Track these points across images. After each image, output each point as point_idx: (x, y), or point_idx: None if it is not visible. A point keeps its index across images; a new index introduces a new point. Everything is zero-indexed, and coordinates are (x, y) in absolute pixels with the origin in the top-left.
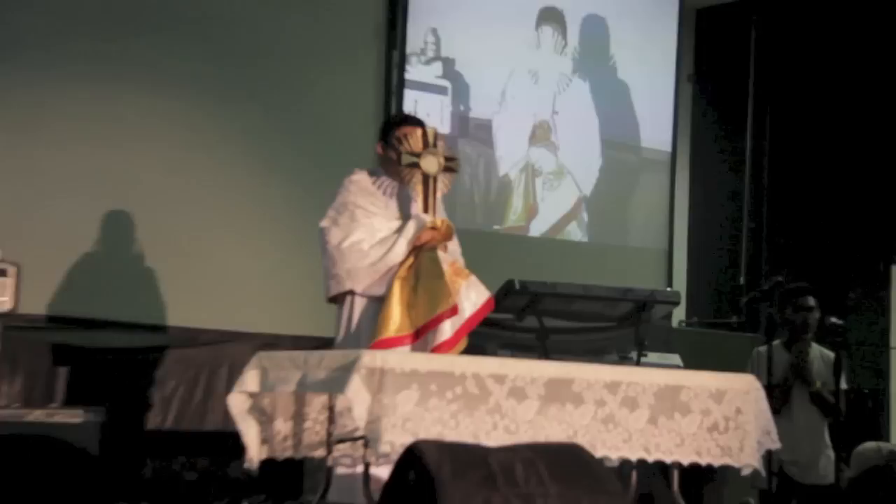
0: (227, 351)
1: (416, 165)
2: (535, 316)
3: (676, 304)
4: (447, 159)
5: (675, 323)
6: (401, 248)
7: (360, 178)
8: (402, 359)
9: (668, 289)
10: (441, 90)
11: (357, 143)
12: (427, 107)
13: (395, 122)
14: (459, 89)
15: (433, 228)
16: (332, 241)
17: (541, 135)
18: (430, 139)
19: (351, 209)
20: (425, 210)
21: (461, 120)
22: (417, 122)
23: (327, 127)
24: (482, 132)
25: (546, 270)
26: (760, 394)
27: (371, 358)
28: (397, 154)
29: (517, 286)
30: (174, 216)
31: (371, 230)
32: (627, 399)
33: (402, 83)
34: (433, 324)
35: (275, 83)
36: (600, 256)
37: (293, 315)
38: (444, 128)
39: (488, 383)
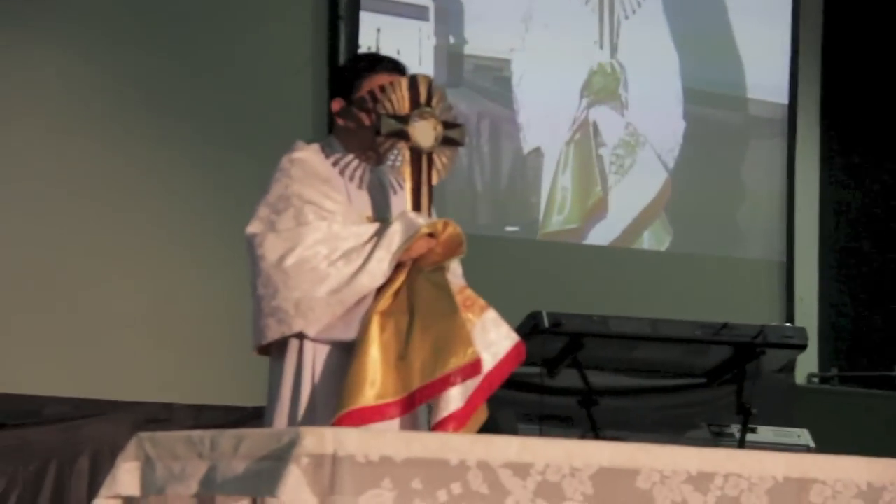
0: (89, 431)
1: (401, 135)
2: (575, 368)
3: (803, 348)
4: (448, 125)
5: (800, 378)
6: (380, 266)
7: (308, 157)
8: (366, 440)
9: (789, 325)
10: (418, 12)
11: (287, 100)
12: (396, 39)
13: (361, 67)
14: (448, 10)
15: (430, 235)
16: (269, 255)
17: (600, 84)
18: (423, 94)
19: (296, 205)
20: (416, 205)
21: (451, 59)
22: (396, 67)
23: (241, 79)
24: (488, 79)
25: (588, 296)
26: None
27: (317, 439)
28: (368, 116)
29: (546, 321)
30: (6, 226)
31: (331, 237)
32: (726, 501)
33: (355, 1)
34: (440, 387)
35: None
36: (678, 273)
37: (195, 374)
38: (425, 71)
39: (503, 477)
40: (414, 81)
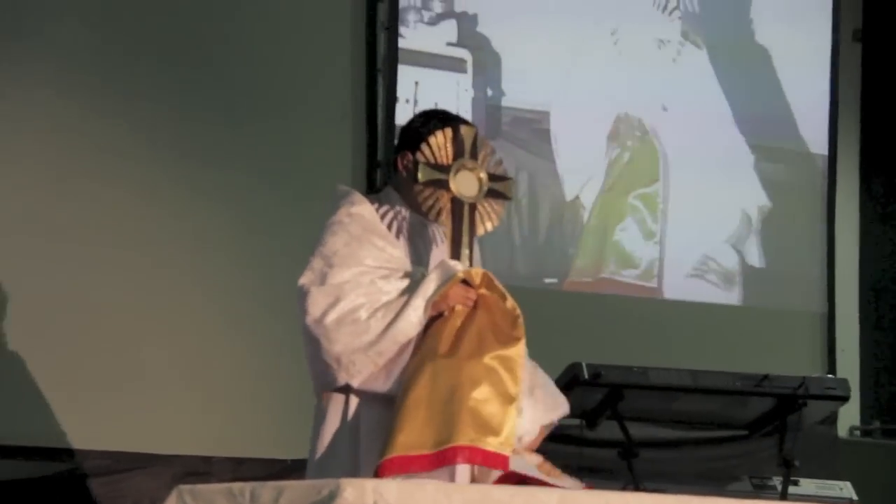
0: (130, 484)
1: (440, 184)
2: (615, 420)
3: (845, 399)
4: (494, 178)
5: (842, 431)
6: (416, 314)
7: (365, 210)
8: (407, 491)
9: (831, 376)
10: (456, 65)
11: (325, 152)
12: (434, 91)
13: (428, 125)
14: (485, 63)
15: (466, 283)
16: (312, 310)
17: (626, 132)
18: (467, 145)
19: (350, 263)
20: (455, 255)
21: (489, 111)
22: (460, 121)
23: (280, 130)
24: (526, 131)
25: (629, 347)
26: None
27: (357, 491)
28: (414, 169)
29: (586, 373)
30: (45, 278)
31: (373, 291)
32: None
33: (393, 54)
34: (467, 455)
35: (200, 70)
36: (719, 324)
37: (234, 426)
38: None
39: None
40: (457, 132)
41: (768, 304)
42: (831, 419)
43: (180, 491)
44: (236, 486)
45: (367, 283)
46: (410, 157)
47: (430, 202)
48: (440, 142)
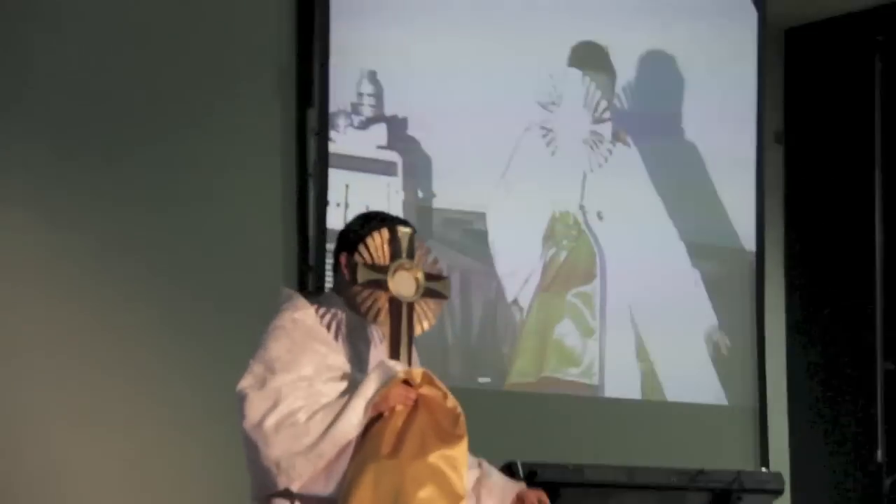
0: None
1: (379, 285)
2: None
3: (779, 492)
4: (430, 277)
5: None
6: (355, 414)
7: (307, 316)
8: None
9: (764, 470)
10: (386, 168)
11: (258, 258)
12: (365, 194)
13: (369, 226)
14: (415, 165)
15: (406, 383)
16: (251, 415)
17: (562, 232)
18: (404, 246)
19: (291, 370)
20: (394, 355)
21: (421, 213)
22: (406, 227)
23: (211, 235)
24: (457, 232)
25: (568, 444)
26: None
27: None
28: (352, 271)
29: (521, 472)
30: None
31: (312, 394)
32: None
33: (324, 159)
34: None
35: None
36: (654, 420)
37: None
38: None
39: None
40: (395, 233)
41: (697, 398)
42: None
43: None
44: None
45: (305, 386)
46: (348, 256)
47: (368, 303)
48: (377, 243)
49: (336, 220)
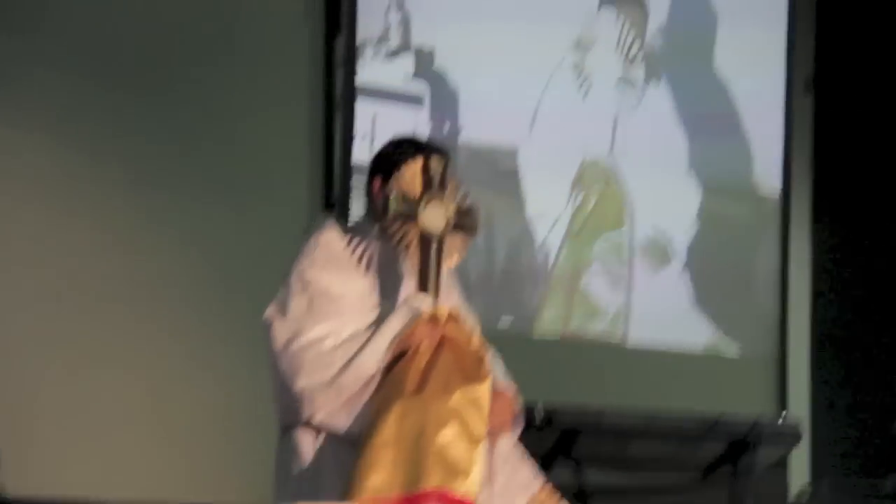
0: None
1: (410, 217)
2: (570, 466)
3: (796, 441)
4: (460, 212)
5: (794, 479)
6: (377, 351)
7: (332, 240)
8: None
9: (783, 415)
10: (413, 100)
11: (283, 189)
12: (391, 126)
13: (403, 151)
14: (443, 97)
15: (432, 321)
16: (277, 341)
17: (591, 177)
18: (436, 177)
19: (310, 291)
20: (422, 288)
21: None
22: (440, 153)
23: (237, 167)
24: (483, 168)
25: (591, 392)
26: None
27: None
28: (384, 201)
29: (540, 415)
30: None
31: (337, 325)
32: None
33: (350, 89)
34: (443, 499)
35: (152, 108)
36: (668, 369)
37: (193, 472)
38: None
39: None
40: (427, 164)
41: (715, 348)
42: (782, 463)
43: None
44: None
45: (332, 312)
46: (381, 181)
47: (398, 235)
48: (410, 174)
49: (362, 152)
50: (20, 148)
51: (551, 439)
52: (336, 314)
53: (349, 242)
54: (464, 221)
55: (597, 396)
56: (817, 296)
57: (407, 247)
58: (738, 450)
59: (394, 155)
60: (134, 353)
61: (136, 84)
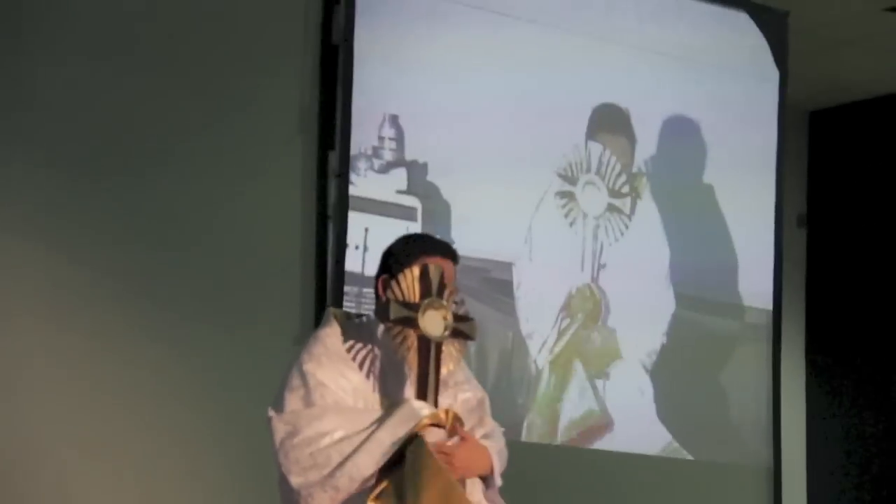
0: None
1: (410, 322)
2: None
3: None
4: (458, 318)
5: None
6: (373, 454)
7: (331, 337)
8: None
9: None
10: (405, 213)
11: (276, 299)
12: (384, 238)
13: (411, 250)
14: (434, 212)
15: (435, 425)
16: (276, 434)
17: (579, 306)
18: (434, 285)
19: (309, 384)
20: (421, 394)
21: None
22: (448, 253)
23: (231, 275)
24: (475, 279)
25: (583, 499)
26: None
27: None
28: (384, 307)
29: None
30: None
31: (336, 422)
32: None
33: (344, 202)
34: None
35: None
36: (668, 477)
37: None
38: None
39: None
40: (426, 271)
41: (716, 457)
42: None
43: None
44: None
45: (328, 408)
46: (388, 279)
47: (398, 339)
48: (409, 280)
49: (354, 262)
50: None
51: None
52: (334, 411)
53: (351, 347)
54: (462, 327)
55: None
56: (811, 412)
57: (407, 351)
58: None
59: (400, 255)
60: (129, 450)
61: (126, 182)
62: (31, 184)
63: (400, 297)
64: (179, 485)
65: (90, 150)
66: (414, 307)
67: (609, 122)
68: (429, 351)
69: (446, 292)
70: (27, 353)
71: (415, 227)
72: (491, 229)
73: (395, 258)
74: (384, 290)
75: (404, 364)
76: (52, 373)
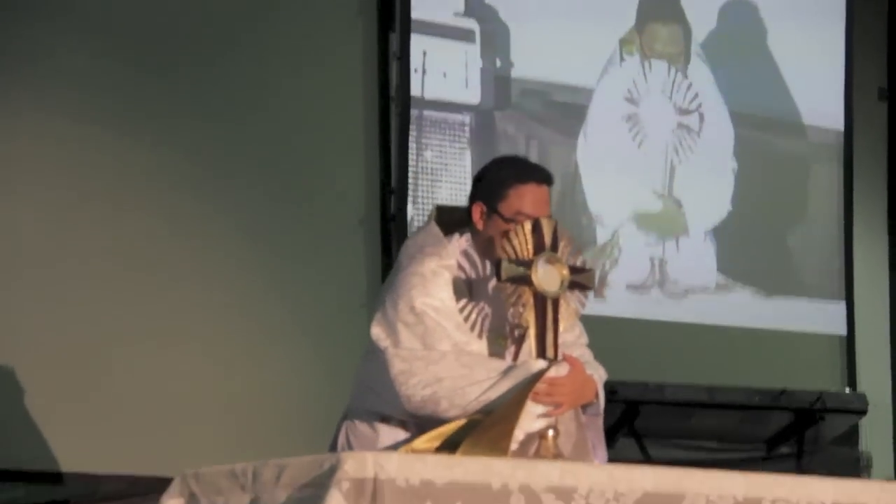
0: None
1: (523, 280)
2: (632, 437)
3: (863, 412)
4: (575, 270)
5: (865, 445)
6: (482, 394)
7: (442, 300)
8: (408, 464)
9: (848, 390)
10: (464, 35)
11: (341, 135)
12: (442, 61)
13: (506, 176)
14: (494, 33)
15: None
16: (393, 369)
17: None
18: (547, 238)
19: (428, 324)
20: (541, 353)
21: (498, 82)
22: (545, 179)
23: (291, 124)
24: (536, 103)
25: (650, 366)
26: None
27: (358, 463)
28: (497, 265)
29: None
30: (63, 304)
31: (460, 364)
32: None
33: (406, 23)
34: None
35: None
36: (723, 346)
37: (250, 448)
38: (472, 94)
39: (546, 501)
40: (538, 225)
41: (771, 323)
42: (851, 435)
43: (184, 476)
44: (239, 466)
45: (451, 356)
46: (484, 208)
47: (512, 299)
48: (521, 236)
49: (415, 86)
50: (47, 130)
51: (614, 414)
52: (454, 356)
53: (459, 306)
54: (579, 279)
55: (658, 373)
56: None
57: (521, 314)
58: (804, 421)
59: (493, 182)
60: (200, 329)
61: (184, 68)
62: (98, 70)
63: (512, 255)
64: (258, 366)
65: (154, 36)
66: (527, 264)
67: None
68: (546, 308)
69: (560, 245)
70: (96, 239)
71: (473, 50)
72: (553, 49)
73: (489, 185)
74: (480, 217)
75: (516, 319)
76: (120, 259)
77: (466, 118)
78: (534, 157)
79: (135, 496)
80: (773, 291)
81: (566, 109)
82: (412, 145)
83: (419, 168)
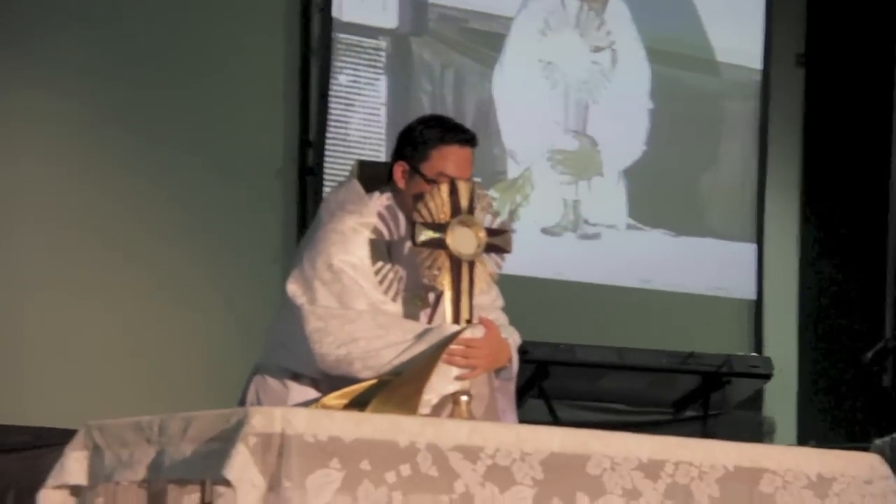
0: (50, 460)
1: (439, 244)
2: (541, 398)
3: (768, 377)
4: (492, 232)
5: (769, 409)
6: (393, 356)
7: (361, 258)
8: (315, 420)
9: (755, 354)
10: None
11: (259, 85)
12: None
13: (430, 137)
14: None
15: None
16: (308, 325)
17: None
18: (464, 200)
19: (345, 282)
20: (456, 317)
21: (416, 7)
22: (468, 141)
23: (210, 70)
24: (453, 29)
25: (562, 327)
26: (890, 484)
27: (266, 418)
28: (412, 228)
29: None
30: None
31: (376, 324)
32: (676, 489)
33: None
34: None
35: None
36: (635, 307)
37: (160, 403)
38: (388, 17)
39: (453, 460)
40: (454, 187)
41: (682, 285)
42: (756, 399)
43: (88, 427)
44: (145, 419)
45: (367, 316)
46: (406, 167)
47: (427, 263)
48: (437, 200)
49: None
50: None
51: (524, 375)
52: (370, 316)
53: (374, 268)
54: (496, 241)
55: (569, 334)
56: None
57: (436, 275)
58: (710, 384)
59: (416, 141)
60: (109, 281)
61: (114, 23)
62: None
63: (428, 218)
64: (168, 319)
65: None
66: (442, 227)
67: None
68: (461, 271)
69: (477, 208)
70: (19, 188)
71: None
72: None
73: (412, 144)
74: (402, 176)
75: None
76: (27, 208)
77: (382, 43)
78: (449, 86)
79: (40, 447)
80: (683, 232)
81: (483, 37)
82: None
83: (332, 92)
